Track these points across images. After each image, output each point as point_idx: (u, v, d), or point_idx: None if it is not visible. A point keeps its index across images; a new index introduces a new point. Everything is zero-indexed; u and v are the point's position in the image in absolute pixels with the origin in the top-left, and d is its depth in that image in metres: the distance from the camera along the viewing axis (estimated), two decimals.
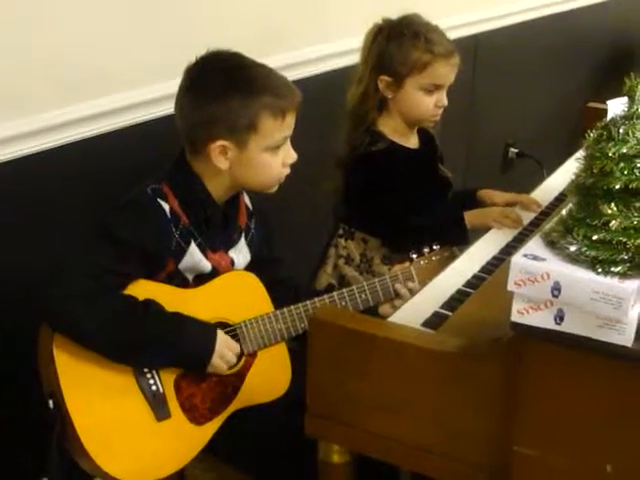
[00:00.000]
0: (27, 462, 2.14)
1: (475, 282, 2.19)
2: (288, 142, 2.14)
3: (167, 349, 2.01)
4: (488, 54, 4.16)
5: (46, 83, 2.30)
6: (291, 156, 2.15)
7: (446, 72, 2.59)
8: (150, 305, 2.00)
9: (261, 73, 2.10)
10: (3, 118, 2.23)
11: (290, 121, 2.12)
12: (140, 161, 2.42)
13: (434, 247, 2.32)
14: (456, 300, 2.10)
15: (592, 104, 3.20)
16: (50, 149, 2.34)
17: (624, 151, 1.48)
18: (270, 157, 2.11)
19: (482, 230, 2.54)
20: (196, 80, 2.11)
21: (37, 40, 2.25)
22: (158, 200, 2.07)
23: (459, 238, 2.57)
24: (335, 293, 2.19)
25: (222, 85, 2.05)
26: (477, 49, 4.07)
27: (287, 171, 2.17)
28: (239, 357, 2.13)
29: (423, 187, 2.67)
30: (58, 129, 2.35)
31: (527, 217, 2.59)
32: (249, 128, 2.05)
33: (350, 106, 2.65)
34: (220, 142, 2.06)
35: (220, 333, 2.06)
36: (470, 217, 2.60)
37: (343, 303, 2.18)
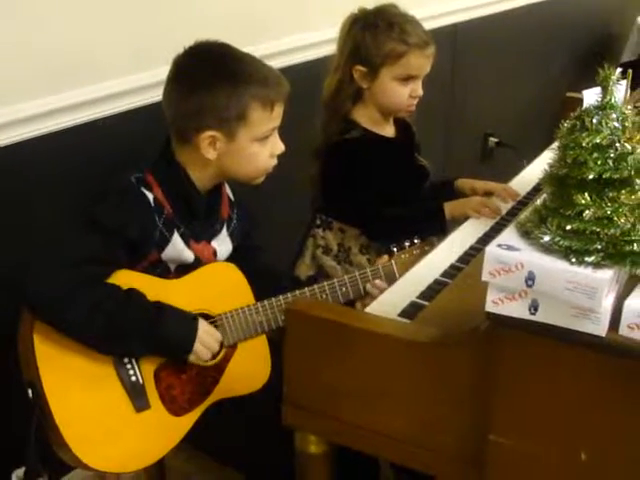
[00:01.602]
0: (4, 452, 2.13)
1: (452, 272, 2.19)
2: (276, 133, 2.16)
3: (149, 337, 2.00)
4: (467, 43, 4.16)
5: (28, 72, 2.31)
6: (279, 147, 2.16)
7: (421, 63, 2.59)
8: (132, 294, 2.00)
9: (250, 64, 2.12)
10: None
11: (279, 112, 2.13)
12: (123, 150, 2.43)
13: (415, 240, 2.32)
14: (433, 290, 2.09)
15: (570, 94, 3.21)
16: (32, 138, 2.35)
17: (597, 141, 1.48)
18: (258, 148, 2.12)
19: (460, 220, 2.55)
20: (184, 70, 2.12)
21: (18, 29, 2.26)
22: (142, 189, 2.07)
23: (437, 228, 2.58)
24: (316, 286, 2.20)
25: (211, 75, 2.06)
26: (456, 38, 4.08)
27: (274, 162, 2.18)
28: (219, 347, 2.13)
29: (400, 175, 2.68)
30: (39, 118, 2.35)
31: (505, 207, 2.59)
32: (239, 119, 2.06)
33: (326, 95, 2.66)
34: (209, 132, 2.06)
35: (201, 321, 2.06)
36: (450, 208, 2.60)
37: (324, 296, 2.18)
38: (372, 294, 2.19)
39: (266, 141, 2.13)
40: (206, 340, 2.06)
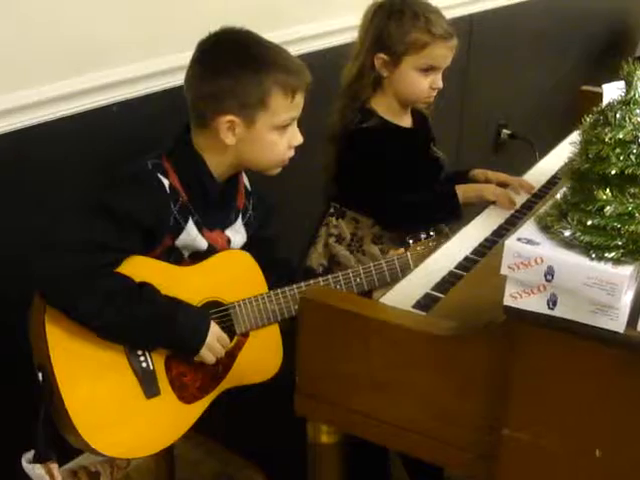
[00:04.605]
0: (14, 435, 2.13)
1: (467, 264, 2.18)
2: (295, 123, 2.15)
3: (158, 336, 2.02)
4: (483, 34, 4.15)
5: (43, 56, 2.30)
6: (297, 138, 2.15)
7: (443, 54, 2.58)
8: (145, 289, 1.99)
9: (274, 51, 2.12)
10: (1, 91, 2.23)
11: (299, 101, 2.12)
12: (139, 135, 2.43)
13: (431, 233, 2.32)
14: (447, 282, 2.08)
15: (586, 87, 3.20)
16: (47, 122, 2.34)
17: (620, 136, 1.47)
18: (277, 137, 2.11)
19: (474, 211, 2.54)
20: (209, 53, 2.11)
21: (34, 14, 2.25)
22: (158, 175, 2.05)
23: (451, 213, 2.58)
24: (330, 276, 2.19)
25: (235, 60, 2.06)
26: (472, 29, 4.06)
27: (291, 153, 2.17)
28: (231, 337, 2.13)
29: (415, 166, 2.66)
30: (55, 102, 2.35)
31: (519, 200, 2.58)
32: (259, 104, 2.05)
33: (345, 83, 2.65)
34: (229, 117, 2.05)
35: (213, 325, 2.07)
36: (465, 189, 2.61)
37: (338, 287, 2.18)
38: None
39: (285, 131, 2.12)
40: (214, 346, 2.07)
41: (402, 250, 2.27)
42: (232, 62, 2.05)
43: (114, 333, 1.97)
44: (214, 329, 2.07)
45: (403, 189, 2.56)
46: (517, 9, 4.41)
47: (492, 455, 1.68)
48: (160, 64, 2.54)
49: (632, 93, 1.50)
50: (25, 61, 2.26)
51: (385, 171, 2.55)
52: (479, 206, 2.56)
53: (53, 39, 2.30)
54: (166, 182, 2.05)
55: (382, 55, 2.57)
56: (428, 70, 2.58)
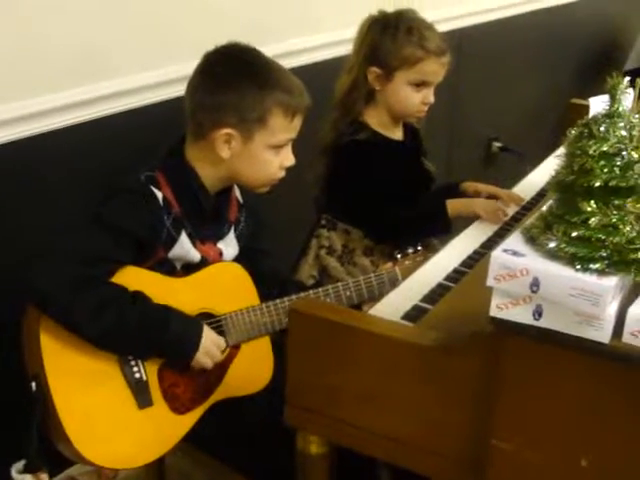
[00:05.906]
0: (4, 445, 2.13)
1: (455, 276, 2.19)
2: (290, 145, 2.17)
3: (152, 343, 2.02)
4: (472, 48, 4.16)
5: (43, 66, 2.32)
6: (290, 159, 2.18)
7: (436, 70, 2.61)
8: (138, 297, 2.00)
9: (278, 71, 2.15)
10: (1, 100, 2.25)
11: (297, 123, 2.15)
12: (133, 147, 2.43)
13: (418, 248, 2.34)
14: (436, 294, 2.10)
15: (575, 100, 3.22)
16: (42, 133, 2.36)
17: (604, 149, 1.49)
18: (271, 156, 2.14)
19: (463, 224, 2.55)
20: (215, 66, 2.13)
21: (35, 24, 2.28)
22: (151, 187, 2.07)
23: (441, 227, 2.59)
24: (320, 289, 2.22)
25: (240, 75, 2.09)
26: (461, 43, 4.07)
27: (282, 174, 2.19)
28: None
29: (405, 179, 2.69)
30: (50, 113, 2.37)
31: (509, 212, 2.60)
32: (259, 121, 2.08)
33: (338, 95, 2.68)
34: (227, 130, 2.08)
35: (206, 329, 2.07)
36: (455, 204, 2.62)
37: (328, 299, 2.20)
38: None
39: (279, 151, 2.14)
40: (210, 350, 2.08)
41: (390, 265, 2.29)
42: (237, 77, 2.08)
43: (108, 342, 1.98)
44: (208, 333, 2.08)
45: (393, 202, 2.57)
46: (506, 24, 4.43)
47: (480, 466, 1.69)
48: (156, 76, 2.55)
49: (616, 106, 1.53)
50: (26, 71, 2.28)
51: (375, 184, 2.57)
52: (468, 219, 2.57)
53: (53, 50, 2.32)
54: (159, 194, 2.07)
55: (375, 69, 2.60)
56: (420, 85, 2.61)
